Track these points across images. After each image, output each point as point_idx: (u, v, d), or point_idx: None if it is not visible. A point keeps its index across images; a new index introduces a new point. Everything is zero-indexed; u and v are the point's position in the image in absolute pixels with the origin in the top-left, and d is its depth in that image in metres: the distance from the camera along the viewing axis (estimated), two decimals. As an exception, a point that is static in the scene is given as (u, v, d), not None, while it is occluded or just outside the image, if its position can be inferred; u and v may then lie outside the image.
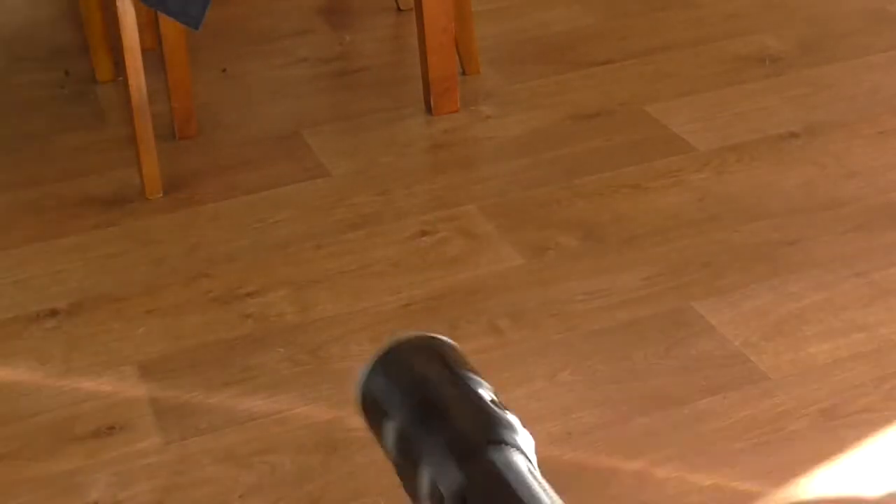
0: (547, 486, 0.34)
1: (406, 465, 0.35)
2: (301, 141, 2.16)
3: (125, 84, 1.97)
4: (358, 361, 1.65)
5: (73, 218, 1.98)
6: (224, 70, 2.41)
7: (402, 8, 2.61)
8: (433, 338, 0.36)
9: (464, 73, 2.32)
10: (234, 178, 2.07)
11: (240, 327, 1.71)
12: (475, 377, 0.38)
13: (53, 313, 1.76)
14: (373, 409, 0.37)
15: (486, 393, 0.37)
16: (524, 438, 0.36)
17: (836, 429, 1.46)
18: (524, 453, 0.34)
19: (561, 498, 0.34)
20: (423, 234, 1.88)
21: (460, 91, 2.24)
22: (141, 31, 1.97)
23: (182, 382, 1.61)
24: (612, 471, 1.42)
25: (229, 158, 2.13)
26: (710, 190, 1.96)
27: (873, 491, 1.38)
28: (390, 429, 0.35)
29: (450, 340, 0.40)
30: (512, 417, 0.37)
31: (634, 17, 2.56)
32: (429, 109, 2.22)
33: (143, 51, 1.99)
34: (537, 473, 0.34)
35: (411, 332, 0.38)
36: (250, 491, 1.44)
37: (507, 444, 0.34)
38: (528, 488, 0.33)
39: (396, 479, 1.46)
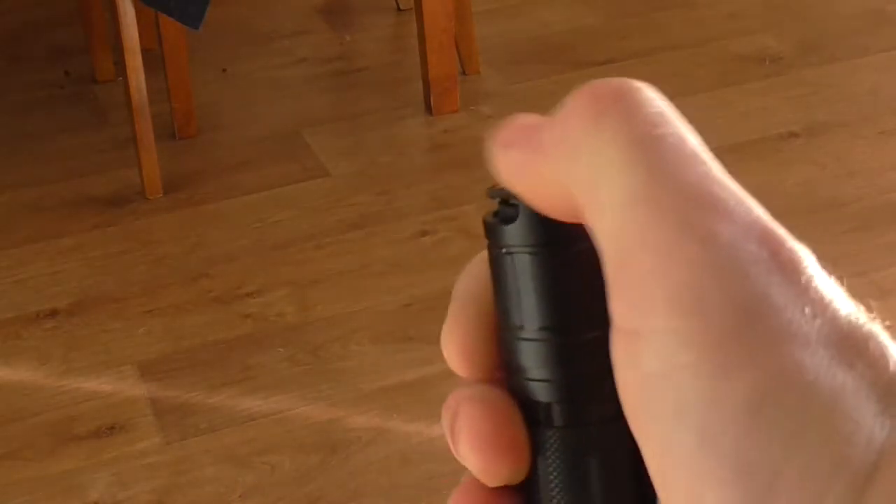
0: None
1: None
2: (301, 141, 2.16)
3: (125, 84, 1.97)
4: (358, 361, 1.65)
5: (73, 218, 1.98)
6: (224, 70, 2.41)
7: (402, 8, 2.61)
8: None
9: (464, 73, 2.32)
10: (234, 178, 2.07)
11: (240, 327, 1.71)
12: None
13: (53, 313, 1.76)
14: None
15: None
16: None
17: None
18: None
19: None
20: (423, 234, 1.89)
21: (460, 91, 2.24)
22: (141, 31, 1.97)
23: (182, 382, 1.62)
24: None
25: (229, 158, 2.13)
26: (710, 190, 1.95)
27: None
28: None
29: None
30: None
31: (634, 17, 2.56)
32: (429, 109, 2.22)
33: (143, 51, 1.99)
34: None
35: None
36: (250, 491, 1.44)
37: None
38: None
39: (396, 479, 1.46)
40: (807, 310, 0.26)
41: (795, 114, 2.17)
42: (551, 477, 0.28)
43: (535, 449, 0.28)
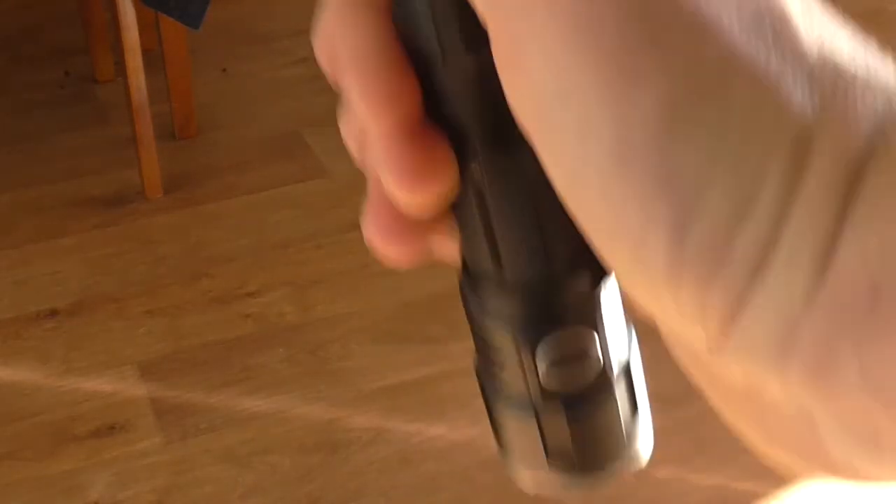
0: None
1: None
2: (301, 141, 2.16)
3: (125, 84, 1.97)
4: (358, 361, 1.65)
5: (73, 218, 1.98)
6: (224, 70, 2.41)
7: (402, 8, 2.61)
8: None
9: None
10: (234, 178, 2.07)
11: (240, 327, 1.71)
12: None
13: (53, 313, 1.76)
14: None
15: None
16: None
17: (836, 429, 1.46)
18: None
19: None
20: (423, 234, 1.89)
21: (460, 91, 2.23)
22: (141, 31, 1.97)
23: (182, 382, 1.62)
24: (612, 471, 1.42)
25: (229, 158, 2.13)
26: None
27: (873, 491, 1.38)
28: None
29: None
30: None
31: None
32: (429, 109, 2.22)
33: (143, 51, 1.99)
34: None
35: None
36: (250, 491, 1.44)
37: None
38: None
39: (396, 479, 1.47)
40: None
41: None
42: (485, 202, 0.27)
43: (465, 176, 0.27)
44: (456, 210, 0.28)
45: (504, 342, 0.29)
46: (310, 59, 2.45)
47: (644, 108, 0.22)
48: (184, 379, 1.62)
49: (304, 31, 2.56)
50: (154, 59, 2.13)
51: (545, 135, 0.23)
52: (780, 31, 0.22)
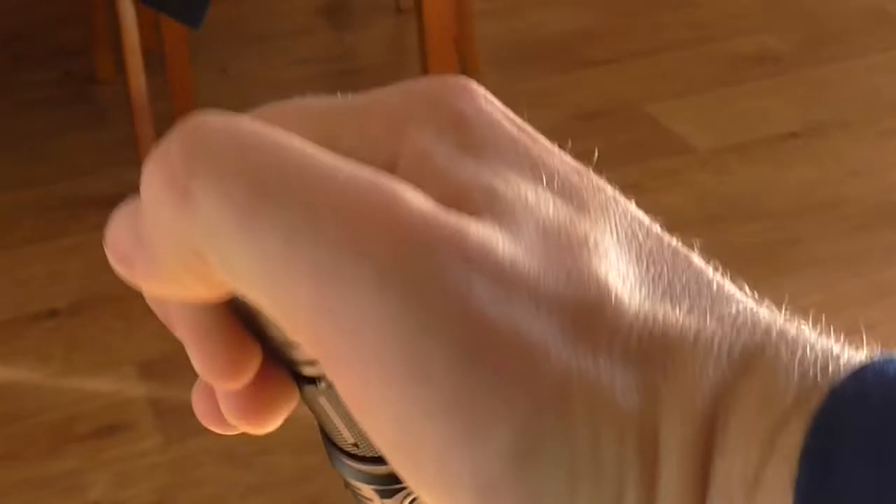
0: None
1: None
2: (301, 141, 2.16)
3: (125, 84, 1.97)
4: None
5: (73, 218, 1.98)
6: (224, 70, 2.41)
7: (402, 8, 2.61)
8: None
9: (464, 73, 2.32)
10: (234, 178, 2.06)
11: (240, 327, 1.71)
12: None
13: (53, 313, 1.76)
14: None
15: None
16: None
17: (836, 429, 1.46)
18: None
19: None
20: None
21: (460, 91, 2.23)
22: (141, 31, 1.97)
23: (182, 382, 1.62)
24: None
25: (229, 158, 2.13)
26: (710, 190, 1.96)
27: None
28: None
29: None
30: None
31: (634, 17, 2.56)
32: (429, 109, 2.21)
33: (143, 51, 1.99)
34: None
35: None
36: (250, 491, 1.44)
37: None
38: None
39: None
40: (539, 308, 0.22)
41: (795, 114, 2.17)
42: (331, 417, 0.30)
43: (307, 396, 0.29)
44: (305, 400, 0.30)
45: (370, 493, 0.34)
46: (310, 59, 2.45)
47: (496, 447, 0.21)
48: (184, 379, 1.62)
49: (304, 31, 2.56)
50: (154, 59, 2.13)
51: (403, 466, 0.23)
52: (594, 327, 0.22)
